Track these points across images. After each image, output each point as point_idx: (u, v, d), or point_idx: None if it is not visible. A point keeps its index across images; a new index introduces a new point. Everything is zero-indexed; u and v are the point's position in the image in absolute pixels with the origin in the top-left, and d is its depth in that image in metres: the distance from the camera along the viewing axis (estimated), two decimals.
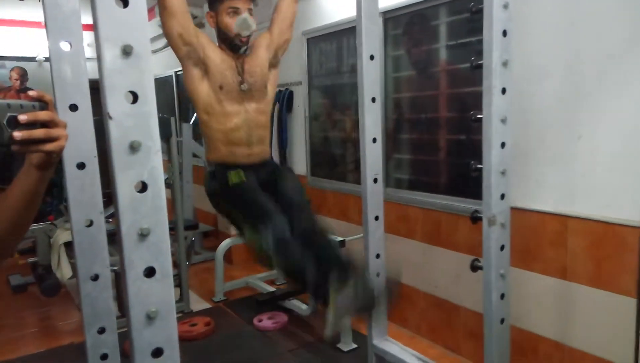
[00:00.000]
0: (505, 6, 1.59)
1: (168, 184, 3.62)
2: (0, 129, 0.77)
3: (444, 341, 3.10)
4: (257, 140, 2.13)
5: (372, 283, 1.87)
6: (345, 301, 1.63)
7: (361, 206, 2.06)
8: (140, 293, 0.86)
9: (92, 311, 1.53)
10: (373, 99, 1.94)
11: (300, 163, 4.36)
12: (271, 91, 2.19)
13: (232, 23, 2.02)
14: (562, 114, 2.30)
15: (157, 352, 0.89)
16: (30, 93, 0.82)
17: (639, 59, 2.01)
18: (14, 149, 0.79)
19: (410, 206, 3.22)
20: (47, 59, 1.54)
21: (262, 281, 4.16)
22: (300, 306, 3.59)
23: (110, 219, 3.15)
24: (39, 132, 0.80)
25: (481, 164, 1.69)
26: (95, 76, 0.86)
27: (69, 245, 3.50)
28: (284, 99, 4.30)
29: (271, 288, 3.96)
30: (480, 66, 1.65)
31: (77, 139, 1.41)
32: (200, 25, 2.18)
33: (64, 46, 1.43)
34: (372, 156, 2.01)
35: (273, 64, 2.18)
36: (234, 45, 2.06)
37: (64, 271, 3.54)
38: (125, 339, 0.99)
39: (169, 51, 2.18)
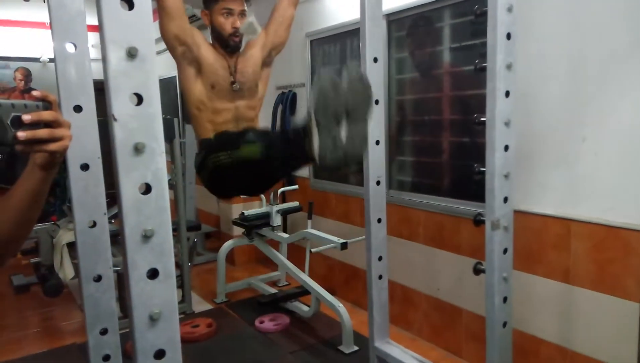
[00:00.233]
0: (510, 9, 1.59)
1: (171, 186, 3.62)
2: (4, 129, 0.77)
3: (445, 344, 3.10)
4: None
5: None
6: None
7: (363, 209, 2.06)
8: (143, 294, 0.86)
9: (95, 312, 1.53)
10: (376, 102, 1.94)
11: None
12: (262, 89, 2.21)
13: (226, 23, 2.04)
14: (565, 117, 2.29)
15: (160, 354, 0.89)
16: (34, 93, 0.82)
17: None
18: (17, 149, 0.79)
19: (412, 209, 3.21)
20: (51, 60, 1.54)
21: (264, 282, 4.16)
22: (302, 308, 3.59)
23: (113, 220, 3.15)
24: (42, 132, 0.80)
25: (484, 167, 1.69)
26: (100, 76, 0.86)
27: (71, 246, 3.51)
28: (288, 101, 4.30)
29: (273, 290, 3.96)
30: (484, 69, 1.65)
31: (81, 141, 1.42)
32: (202, 27, 2.18)
33: (69, 47, 1.44)
34: (375, 159, 2.01)
35: (266, 63, 2.20)
36: (227, 44, 2.08)
37: (66, 272, 3.55)
38: (127, 340, 1.00)
39: None
